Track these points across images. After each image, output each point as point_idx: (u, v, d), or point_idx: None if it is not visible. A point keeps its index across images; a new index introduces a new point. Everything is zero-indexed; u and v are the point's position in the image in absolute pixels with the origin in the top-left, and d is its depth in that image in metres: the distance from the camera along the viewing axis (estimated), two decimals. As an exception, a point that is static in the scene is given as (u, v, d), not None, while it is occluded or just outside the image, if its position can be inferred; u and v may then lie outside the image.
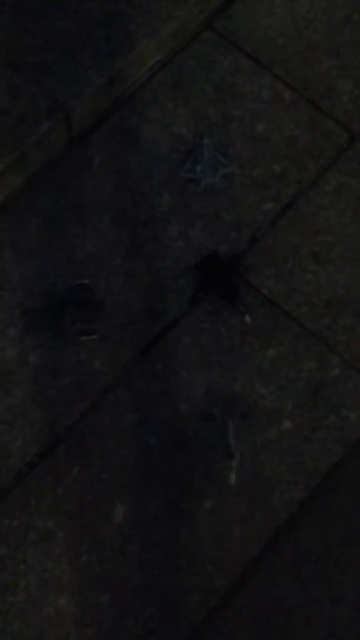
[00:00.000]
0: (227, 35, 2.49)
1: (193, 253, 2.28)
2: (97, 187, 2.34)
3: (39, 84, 2.37)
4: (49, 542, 2.03)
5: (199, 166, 2.35)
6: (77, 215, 2.32)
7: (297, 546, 2.02)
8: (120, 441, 2.11)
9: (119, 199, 2.34)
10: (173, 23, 2.46)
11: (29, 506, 2.05)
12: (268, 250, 2.29)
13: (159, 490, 2.06)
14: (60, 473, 2.08)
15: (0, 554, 2.03)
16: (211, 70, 2.46)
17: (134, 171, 2.36)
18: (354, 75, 2.45)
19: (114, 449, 2.10)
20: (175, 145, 2.38)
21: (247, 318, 2.22)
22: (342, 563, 2.00)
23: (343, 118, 2.40)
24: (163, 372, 2.17)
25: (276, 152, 2.38)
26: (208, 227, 2.31)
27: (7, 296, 2.24)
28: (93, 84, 2.39)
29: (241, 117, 2.42)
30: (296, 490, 2.07)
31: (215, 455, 2.07)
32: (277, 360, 2.18)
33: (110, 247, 2.29)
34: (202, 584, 2.00)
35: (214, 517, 2.05)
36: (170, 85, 2.45)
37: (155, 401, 2.15)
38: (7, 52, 2.39)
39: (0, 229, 2.32)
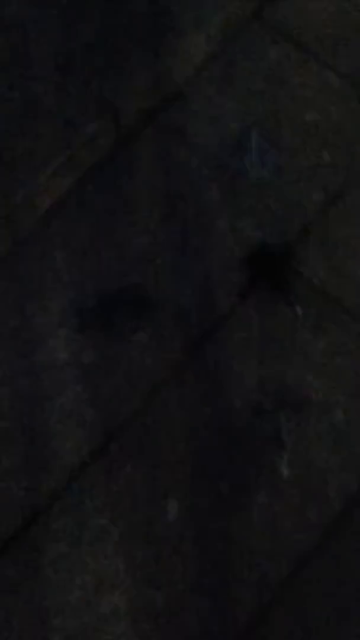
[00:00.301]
0: (275, 26, 2.46)
1: (243, 246, 2.27)
2: (146, 185, 2.34)
3: (86, 85, 2.38)
4: (104, 541, 2.03)
5: (247, 158, 2.34)
6: (127, 214, 2.32)
7: (351, 537, 1.98)
8: (172, 438, 2.10)
9: (168, 195, 2.33)
10: (220, 16, 2.44)
11: (83, 505, 2.06)
12: (319, 240, 2.26)
13: (212, 485, 2.05)
14: (113, 471, 2.08)
15: (56, 553, 2.04)
16: (259, 61, 2.44)
17: (183, 167, 2.35)
18: None
19: (167, 446, 2.10)
20: (224, 139, 2.37)
21: (299, 309, 2.19)
22: None
23: (393, 103, 2.35)
24: (215, 367, 2.16)
25: (325, 141, 2.35)
26: (258, 220, 2.29)
27: (58, 297, 2.25)
28: (140, 82, 2.39)
29: (289, 107, 2.40)
30: (350, 480, 2.04)
31: (268, 448, 2.05)
32: (329, 351, 2.15)
33: (161, 244, 2.29)
34: (257, 578, 1.98)
35: (268, 510, 2.03)
36: (218, 79, 2.44)
37: (207, 396, 2.13)
38: (54, 53, 2.41)
39: (51, 231, 2.34)
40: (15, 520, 2.07)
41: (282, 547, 2.02)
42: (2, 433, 2.14)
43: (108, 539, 2.05)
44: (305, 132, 2.38)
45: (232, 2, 2.46)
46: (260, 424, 2.09)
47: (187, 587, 2.01)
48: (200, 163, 2.37)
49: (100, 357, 2.21)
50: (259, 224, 2.30)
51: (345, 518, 2.01)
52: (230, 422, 2.11)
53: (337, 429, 2.10)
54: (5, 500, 2.09)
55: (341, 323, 2.19)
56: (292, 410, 2.09)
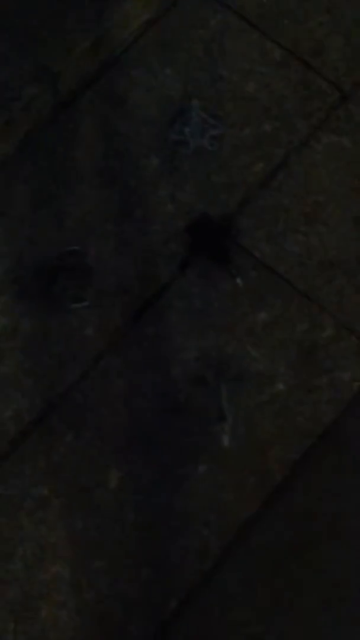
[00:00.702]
0: (215, -7, 2.45)
1: (183, 216, 2.27)
2: (85, 152, 2.32)
3: (23, 49, 2.34)
4: (45, 509, 2.03)
5: (187, 128, 2.33)
6: (66, 181, 2.30)
7: (291, 507, 2.02)
8: (113, 407, 2.11)
9: (107, 163, 2.32)
10: (160, -19, 2.42)
11: (23, 474, 2.06)
12: (259, 211, 2.28)
13: (153, 455, 2.06)
14: (54, 440, 2.08)
15: (-4, 522, 2.03)
16: (199, 29, 2.43)
17: (122, 135, 2.34)
18: (345, 32, 2.42)
19: (107, 415, 2.10)
20: (164, 107, 2.36)
21: (239, 281, 2.20)
22: (336, 523, 2.00)
23: (334, 77, 2.38)
24: (155, 337, 2.17)
25: (266, 112, 2.35)
26: (198, 190, 2.29)
27: (-4, 264, 2.22)
28: (79, 46, 2.36)
29: (230, 77, 2.39)
30: (290, 451, 2.07)
31: (209, 419, 2.07)
32: (270, 322, 2.17)
33: (100, 213, 2.27)
34: (197, 547, 2.01)
35: (208, 480, 2.05)
36: (158, 46, 2.42)
37: (148, 366, 2.14)
38: (-11, 16, 2.36)
39: (-12, 197, 2.30)
40: None
41: (223, 517, 2.04)
42: None
43: (49, 508, 2.06)
44: (246, 102, 2.38)
45: (172, -32, 2.44)
46: (201, 395, 2.11)
47: (129, 556, 2.03)
48: (140, 131, 2.36)
49: (40, 325, 2.20)
50: (199, 194, 2.30)
51: (285, 488, 2.04)
52: (171, 392, 2.13)
53: (278, 400, 2.13)
54: None
55: (281, 295, 2.21)
56: (233, 381, 2.11)
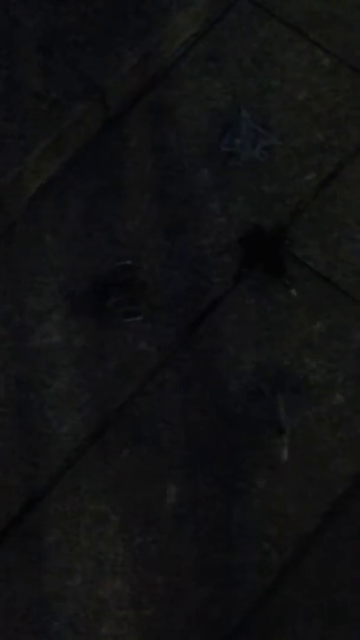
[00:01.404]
0: (262, 4, 2.44)
1: (236, 228, 2.25)
2: (135, 167, 2.32)
3: (73, 66, 2.35)
4: (103, 525, 2.02)
5: (238, 139, 2.32)
6: (117, 196, 2.29)
7: (353, 521, 1.98)
8: (169, 422, 2.09)
9: (158, 177, 2.31)
10: (207, -6, 2.41)
11: (80, 490, 2.05)
12: (312, 221, 2.25)
13: (211, 469, 2.04)
14: (110, 456, 2.07)
15: (55, 538, 2.02)
16: (247, 40, 2.42)
17: (173, 148, 2.33)
18: (394, 37, 2.39)
19: (164, 430, 2.08)
20: (214, 120, 2.34)
21: (294, 292, 2.18)
22: None
23: (385, 82, 2.34)
24: (210, 350, 2.15)
25: (317, 121, 2.33)
26: (250, 201, 2.27)
27: (50, 281, 2.23)
28: (127, 62, 2.36)
29: (280, 87, 2.38)
30: (350, 464, 2.04)
31: (267, 432, 2.04)
32: (326, 332, 2.14)
33: (152, 227, 2.27)
34: (257, 562, 1.98)
35: (268, 494, 2.02)
36: (206, 59, 2.42)
37: (204, 380, 2.12)
38: (39, 35, 2.37)
39: (41, 214, 2.31)
40: (13, 507, 2.05)
41: (284, 531, 2.01)
42: (-2, 419, 2.12)
43: (107, 524, 2.04)
44: (296, 112, 2.36)
45: (219, -19, 2.43)
46: (258, 408, 2.08)
47: (188, 572, 2.01)
48: (190, 144, 2.35)
49: (94, 341, 2.19)
50: (251, 206, 2.28)
51: (346, 501, 2.00)
52: (228, 406, 2.10)
53: (337, 411, 2.09)
54: (2, 487, 2.06)
55: (337, 304, 2.18)
56: (291, 393, 2.09)
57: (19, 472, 2.06)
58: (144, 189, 2.30)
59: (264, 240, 2.24)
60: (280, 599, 1.95)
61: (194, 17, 2.42)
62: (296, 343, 2.14)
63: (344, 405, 2.08)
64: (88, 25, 2.40)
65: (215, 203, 2.27)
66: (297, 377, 2.09)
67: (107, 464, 2.06)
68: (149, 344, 2.16)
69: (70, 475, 2.06)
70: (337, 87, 2.36)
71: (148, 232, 2.26)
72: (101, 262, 2.23)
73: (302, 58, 2.39)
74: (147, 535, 2.01)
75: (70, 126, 2.32)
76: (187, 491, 2.03)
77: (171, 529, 2.01)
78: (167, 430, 2.08)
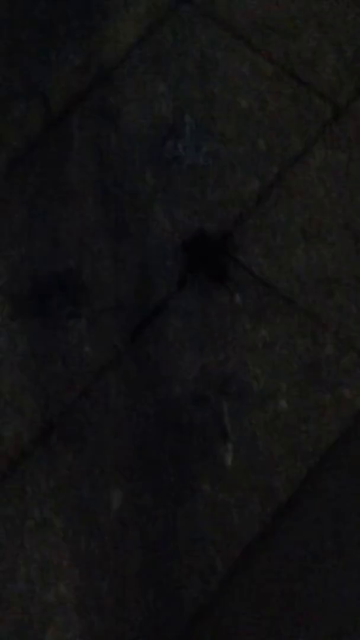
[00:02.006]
0: (204, 9, 2.45)
1: (179, 233, 2.26)
2: (78, 169, 2.31)
3: (13, 66, 2.32)
4: (47, 530, 2.01)
5: (181, 144, 2.32)
6: (59, 198, 2.28)
7: (297, 527, 2.01)
8: (114, 426, 2.09)
9: (101, 180, 2.30)
10: (149, -2, 2.41)
11: (25, 494, 2.03)
12: (256, 228, 2.27)
13: (155, 475, 2.04)
14: (54, 460, 2.05)
15: (-2, 544, 2.00)
16: (190, 45, 2.43)
17: (115, 151, 2.32)
18: (337, 46, 2.43)
19: (109, 434, 2.08)
20: (157, 124, 2.35)
21: (238, 298, 2.20)
22: (343, 542, 2.00)
23: (327, 91, 2.38)
24: (154, 354, 2.15)
25: (260, 128, 2.35)
26: (194, 207, 2.28)
27: (-8, 282, 2.20)
28: (69, 63, 2.35)
29: (222, 93, 2.39)
30: (294, 470, 2.06)
31: (211, 438, 2.06)
32: (270, 339, 2.17)
33: (95, 230, 2.26)
34: (202, 567, 1.99)
35: (212, 499, 2.03)
36: (149, 62, 2.42)
37: (148, 385, 2.12)
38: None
39: (-18, 214, 2.27)
40: None
41: (228, 536, 2.03)
42: None
43: (51, 528, 2.03)
44: (239, 118, 2.37)
45: (161, -17, 2.43)
46: (202, 413, 2.10)
47: (133, 577, 2.00)
48: (133, 147, 2.35)
49: (37, 344, 2.18)
50: (195, 211, 2.29)
51: (291, 507, 2.03)
52: (172, 411, 2.11)
53: (281, 418, 2.12)
54: None
55: (281, 311, 2.21)
56: (235, 399, 2.10)
57: None
58: (87, 192, 2.29)
59: (207, 246, 2.25)
60: (225, 605, 1.95)
61: (137, 21, 2.42)
62: (240, 349, 2.15)
63: (288, 412, 2.11)
64: (29, 26, 2.37)
65: (159, 207, 2.28)
66: (241, 383, 2.11)
67: (51, 468, 2.05)
68: (92, 347, 2.15)
69: (14, 479, 2.04)
70: (278, 95, 2.38)
71: (91, 234, 2.25)
72: (44, 265, 2.22)
73: (244, 65, 2.41)
74: (92, 541, 2.01)
75: (11, 126, 2.30)
76: (131, 496, 2.03)
77: (116, 534, 2.00)
78: (111, 435, 2.08)
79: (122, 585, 2.00)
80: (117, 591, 1.99)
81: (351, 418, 2.12)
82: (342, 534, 2.03)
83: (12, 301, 2.20)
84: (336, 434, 2.11)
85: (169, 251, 2.25)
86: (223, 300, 2.21)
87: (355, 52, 2.47)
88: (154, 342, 2.18)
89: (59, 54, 2.37)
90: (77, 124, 2.37)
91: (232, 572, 2.01)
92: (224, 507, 2.05)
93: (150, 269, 2.24)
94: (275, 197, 2.31)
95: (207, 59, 2.44)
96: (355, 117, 2.39)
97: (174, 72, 2.42)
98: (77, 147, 2.34)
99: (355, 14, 2.50)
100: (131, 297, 2.21)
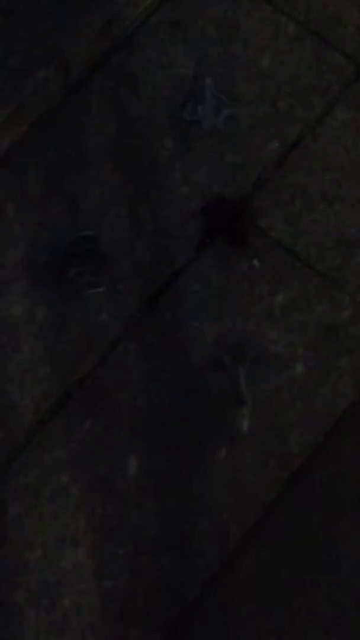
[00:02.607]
0: (227, -31, 2.41)
1: (198, 198, 2.24)
2: (97, 134, 2.30)
3: (32, 31, 2.31)
4: (64, 497, 2.02)
5: (201, 107, 2.30)
6: (79, 165, 2.27)
7: (312, 491, 2.00)
8: (131, 393, 2.09)
9: (120, 145, 2.29)
10: None
11: (42, 462, 2.05)
12: (275, 191, 2.24)
13: (171, 441, 2.05)
14: (72, 428, 2.07)
15: (16, 511, 2.02)
16: (211, 6, 2.39)
17: (135, 116, 2.31)
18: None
19: (125, 401, 2.08)
20: (176, 87, 2.32)
21: (256, 262, 2.18)
22: (358, 506, 1.98)
23: (350, 50, 2.33)
24: (172, 321, 2.14)
25: (281, 89, 2.32)
26: (212, 171, 2.26)
27: (10, 251, 2.21)
28: (89, 27, 2.33)
29: (244, 54, 2.36)
30: (310, 434, 2.05)
31: (227, 403, 2.05)
32: (287, 304, 2.15)
33: (114, 196, 2.25)
34: (218, 532, 2.00)
35: (228, 464, 2.03)
36: (169, 24, 2.39)
37: (165, 351, 2.12)
38: (-2, -1, 2.33)
39: (1, 183, 2.28)
40: (-27, 479, 2.05)
41: (243, 501, 2.02)
42: None
43: (68, 495, 2.05)
44: (259, 80, 2.34)
45: None
46: (219, 379, 2.09)
47: (149, 542, 2.02)
48: (152, 112, 2.33)
49: (55, 312, 2.18)
50: (214, 175, 2.27)
51: (306, 471, 2.02)
52: (189, 377, 2.11)
53: (297, 383, 2.10)
54: None
55: (299, 276, 2.18)
56: (252, 365, 2.09)
57: (-20, 444, 2.05)
58: (106, 158, 2.28)
59: (226, 210, 2.23)
60: (240, 570, 1.96)
61: (157, -18, 2.39)
62: (257, 314, 2.14)
63: (304, 377, 2.09)
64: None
65: (178, 172, 2.26)
66: (258, 348, 2.10)
67: (69, 436, 2.06)
68: (110, 315, 2.15)
69: (32, 448, 2.06)
70: (300, 55, 2.34)
71: (110, 201, 2.25)
72: (62, 232, 2.22)
73: (266, 25, 2.37)
74: (108, 507, 2.02)
75: (32, 93, 2.29)
76: (148, 462, 2.03)
77: (132, 500, 2.01)
78: (128, 402, 2.09)
79: (138, 551, 2.01)
80: (133, 557, 2.01)
81: (368, 382, 2.10)
82: (357, 498, 2.02)
83: (31, 270, 2.21)
84: (352, 397, 2.08)
85: (187, 216, 2.24)
86: (241, 265, 2.20)
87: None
88: (171, 308, 2.17)
89: (80, 18, 2.35)
90: (96, 89, 2.36)
91: (247, 536, 2.01)
92: (240, 471, 2.05)
93: (169, 235, 2.23)
94: (295, 160, 2.28)
95: (228, 21, 2.41)
96: (378, 76, 2.35)
97: (194, 34, 2.39)
98: (97, 112, 2.34)
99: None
100: (149, 264, 2.21)
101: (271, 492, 2.02)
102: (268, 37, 2.37)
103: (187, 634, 1.92)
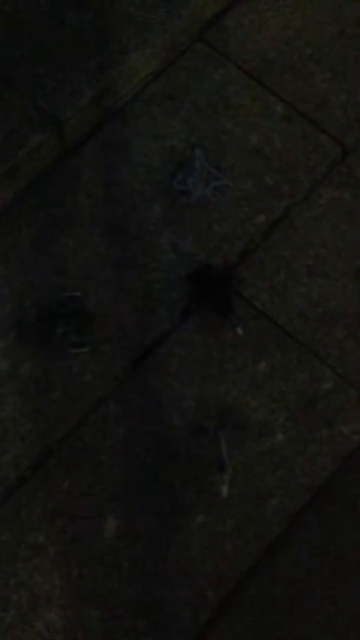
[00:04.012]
0: (218, 48, 2.49)
1: (185, 265, 2.28)
2: (88, 199, 2.34)
3: (29, 96, 2.36)
4: (40, 557, 2.01)
5: (190, 178, 2.35)
6: (68, 228, 2.31)
7: (290, 561, 2.01)
8: (111, 454, 2.09)
9: (110, 211, 2.33)
10: (165, 35, 2.45)
11: (19, 520, 2.04)
12: (260, 262, 2.29)
13: (151, 504, 2.05)
14: (51, 487, 2.06)
15: (-9, 568, 2.00)
16: (203, 82, 2.46)
17: (126, 183, 2.35)
18: (347, 88, 2.45)
19: (106, 463, 2.09)
20: (167, 157, 2.37)
21: (239, 330, 2.21)
22: (337, 576, 1.99)
23: (336, 132, 2.40)
24: (155, 384, 2.16)
25: (268, 165, 2.38)
26: (200, 240, 2.30)
27: (-3, 308, 2.22)
28: (84, 95, 2.39)
29: (233, 130, 2.42)
30: (289, 504, 2.06)
31: (208, 468, 2.06)
32: (270, 373, 2.18)
33: (102, 259, 2.28)
34: (194, 598, 1.99)
35: (206, 530, 2.03)
36: (162, 97, 2.45)
37: (147, 414, 2.13)
38: (-4, 63, 2.38)
39: (-9, 241, 2.31)
40: None
41: (220, 568, 2.02)
42: None
43: (44, 555, 2.03)
44: (248, 155, 2.40)
45: (176, 23, 2.47)
46: (200, 444, 2.10)
47: (124, 606, 2.00)
48: (143, 180, 2.37)
49: (40, 370, 2.19)
50: (201, 244, 2.31)
51: (284, 541, 2.03)
52: (170, 441, 2.12)
53: (277, 451, 2.12)
54: None
55: (281, 346, 2.22)
56: (233, 431, 2.11)
57: None
58: (96, 222, 2.31)
59: (212, 278, 2.26)
60: (215, 637, 1.95)
61: (151, 57, 2.46)
62: (240, 381, 2.16)
63: (284, 445, 2.11)
64: (46, 57, 2.42)
65: (166, 239, 2.30)
66: (239, 415, 2.12)
67: (48, 494, 2.06)
68: (94, 375, 2.17)
69: (10, 504, 2.05)
70: (288, 134, 2.41)
71: (98, 264, 2.28)
72: (50, 292, 2.24)
73: (256, 103, 2.44)
74: (84, 568, 2.01)
75: (26, 156, 2.33)
76: (126, 525, 2.03)
77: (109, 562, 2.01)
78: (108, 463, 2.09)
79: (113, 615, 2.00)
80: (108, 620, 1.99)
81: (347, 454, 2.12)
82: (334, 570, 2.03)
83: (16, 328, 2.22)
84: (331, 469, 2.10)
85: (173, 282, 2.27)
86: (225, 332, 2.23)
87: (365, 93, 2.50)
88: (155, 371, 2.19)
89: (75, 86, 2.40)
90: (89, 156, 2.40)
91: (223, 603, 2.00)
92: (218, 538, 2.05)
93: (155, 300, 2.26)
94: (281, 234, 2.33)
95: (219, 97, 2.48)
96: (362, 158, 2.42)
97: (186, 108, 2.46)
98: (88, 178, 2.38)
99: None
100: (134, 327, 2.23)
101: (249, 559, 2.03)
102: (257, 115, 2.44)
103: None
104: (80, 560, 2.01)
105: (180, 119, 2.42)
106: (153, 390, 2.16)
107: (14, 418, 2.12)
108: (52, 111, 2.36)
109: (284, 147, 2.40)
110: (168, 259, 2.28)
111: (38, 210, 2.33)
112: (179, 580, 2.00)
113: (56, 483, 2.07)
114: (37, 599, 1.98)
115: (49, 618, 1.97)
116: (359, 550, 2.02)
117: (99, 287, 2.26)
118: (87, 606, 1.98)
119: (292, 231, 2.32)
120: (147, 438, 2.11)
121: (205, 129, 2.42)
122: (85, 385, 2.16)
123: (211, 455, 2.08)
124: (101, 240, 2.31)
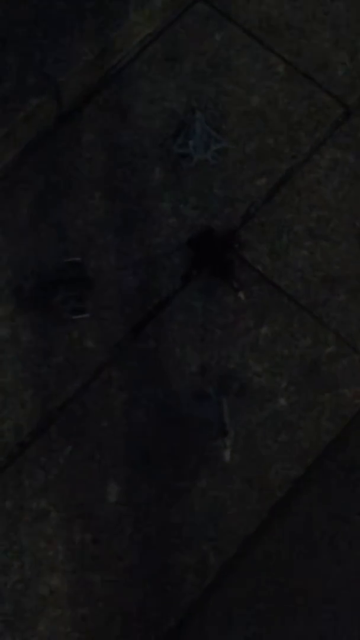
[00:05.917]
0: (219, 7, 2.45)
1: (186, 229, 2.26)
2: (87, 163, 2.31)
3: (27, 59, 2.33)
4: (43, 522, 2.01)
5: (191, 141, 2.32)
6: (68, 192, 2.28)
7: (292, 524, 2.00)
8: (113, 420, 2.09)
9: (109, 174, 2.30)
10: (164, -5, 2.41)
11: (22, 486, 2.03)
12: (262, 226, 2.27)
13: (153, 469, 2.04)
14: (53, 453, 2.06)
15: (-6, 535, 2.00)
16: (203, 43, 2.43)
17: (125, 146, 2.32)
18: (349, 48, 2.42)
19: (107, 428, 2.08)
20: (167, 120, 2.34)
21: (241, 295, 2.19)
22: (337, 540, 1.99)
23: (338, 92, 2.37)
24: (156, 350, 2.15)
25: (270, 127, 2.35)
26: (201, 203, 2.28)
27: (-3, 274, 2.21)
28: (83, 57, 2.36)
29: (234, 91, 2.39)
30: (291, 468, 2.06)
31: (210, 433, 2.05)
32: (272, 337, 2.16)
33: (102, 224, 2.26)
34: (196, 562, 1.99)
35: (209, 495, 2.03)
36: (162, 59, 2.42)
37: (149, 379, 2.12)
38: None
39: (-11, 207, 2.29)
40: None
41: (223, 532, 2.02)
42: None
43: (47, 521, 2.03)
44: (250, 117, 2.37)
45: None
46: (202, 409, 2.09)
47: (127, 571, 2.00)
48: (143, 143, 2.35)
49: (40, 336, 2.18)
50: (202, 208, 2.29)
51: (286, 504, 2.02)
52: (172, 406, 2.11)
53: (280, 415, 2.11)
54: None
55: (283, 309, 2.20)
56: (235, 396, 2.10)
57: None
58: (95, 186, 2.29)
59: (213, 242, 2.24)
60: (218, 601, 1.95)
61: (150, 17, 2.42)
62: (242, 346, 2.15)
63: (286, 410, 2.10)
64: (44, 20, 2.38)
65: (166, 203, 2.28)
66: (241, 380, 2.11)
67: (50, 460, 2.05)
68: (95, 341, 2.15)
69: (12, 471, 2.04)
70: (290, 94, 2.37)
71: (98, 229, 2.25)
72: (50, 258, 2.22)
73: (257, 63, 2.41)
74: (87, 534, 2.01)
75: (23, 120, 2.31)
76: (128, 490, 2.02)
77: (111, 527, 2.01)
78: (110, 429, 2.08)
79: (115, 579, 2.00)
80: (110, 585, 1.99)
81: (350, 417, 2.11)
82: (335, 533, 2.02)
83: (17, 294, 2.21)
84: (334, 433, 2.09)
85: (174, 247, 2.25)
86: (227, 297, 2.21)
87: (368, 52, 2.46)
88: (156, 337, 2.18)
89: (73, 48, 2.37)
90: (88, 119, 2.37)
91: (225, 567, 2.00)
92: (221, 502, 2.05)
93: (155, 265, 2.24)
94: (282, 196, 2.30)
95: (220, 57, 2.44)
96: (365, 118, 2.39)
97: (186, 69, 2.42)
98: (88, 141, 2.35)
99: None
100: (135, 293, 2.22)
101: (251, 523, 2.02)
102: (258, 76, 2.41)
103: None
104: (83, 525, 2.01)
105: (180, 81, 2.39)
106: (154, 355, 2.14)
107: (15, 384, 2.12)
108: (50, 74, 2.33)
109: (286, 108, 2.37)
110: (169, 223, 2.26)
111: (37, 175, 2.31)
112: (181, 544, 2.00)
113: (58, 449, 2.06)
114: (40, 564, 1.99)
115: (51, 583, 1.98)
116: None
117: (99, 252, 2.24)
118: (90, 571, 1.99)
119: (294, 193, 2.29)
120: (149, 403, 2.10)
121: (206, 90, 2.39)
122: (86, 351, 2.15)
123: (213, 420, 2.07)
124: (101, 205, 2.28)
